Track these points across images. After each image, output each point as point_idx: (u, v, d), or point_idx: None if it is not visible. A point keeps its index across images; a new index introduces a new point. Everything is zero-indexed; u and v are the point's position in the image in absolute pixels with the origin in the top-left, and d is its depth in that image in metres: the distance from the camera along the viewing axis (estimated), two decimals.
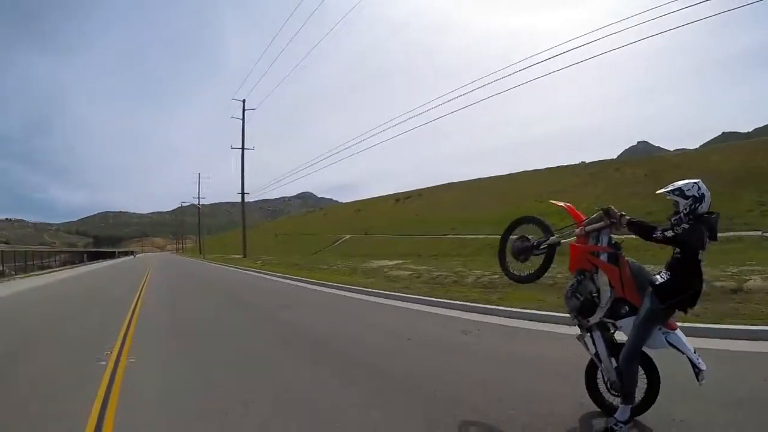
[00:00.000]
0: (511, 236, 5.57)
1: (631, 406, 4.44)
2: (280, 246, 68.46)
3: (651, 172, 38.02)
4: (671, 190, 4.34)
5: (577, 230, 4.87)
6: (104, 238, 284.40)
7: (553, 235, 5.14)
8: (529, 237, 5.31)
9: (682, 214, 4.27)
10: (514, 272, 5.55)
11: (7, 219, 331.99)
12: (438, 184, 71.03)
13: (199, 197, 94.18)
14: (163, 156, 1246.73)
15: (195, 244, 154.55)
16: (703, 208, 4.24)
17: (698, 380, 4.32)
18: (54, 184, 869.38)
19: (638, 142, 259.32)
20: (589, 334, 4.86)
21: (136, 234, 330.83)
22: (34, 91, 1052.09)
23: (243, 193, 61.27)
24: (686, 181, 4.35)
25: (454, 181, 68.41)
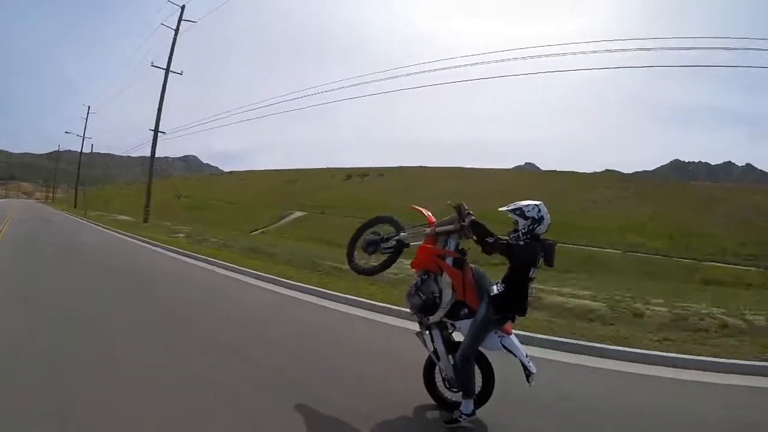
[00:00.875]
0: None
1: (473, 399, 4.66)
2: (188, 212, 52.66)
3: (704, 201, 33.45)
4: (513, 209, 4.59)
5: (428, 230, 5.05)
6: None
7: (404, 232, 5.30)
8: (380, 232, 5.47)
9: (520, 233, 4.53)
10: (359, 264, 5.63)
11: None
12: (407, 165, 59.05)
13: (84, 134, 74.59)
14: (45, 90, 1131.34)
15: (67, 195, 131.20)
16: (541, 229, 4.51)
17: (528, 382, 4.62)
18: None
19: (525, 163, 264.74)
20: (428, 331, 5.05)
21: (2, 175, 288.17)
22: None
23: (156, 131, 40.84)
24: (528, 202, 4.59)
25: (427, 165, 56.82)
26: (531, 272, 4.52)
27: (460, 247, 4.95)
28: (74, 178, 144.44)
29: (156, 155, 39.78)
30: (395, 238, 5.29)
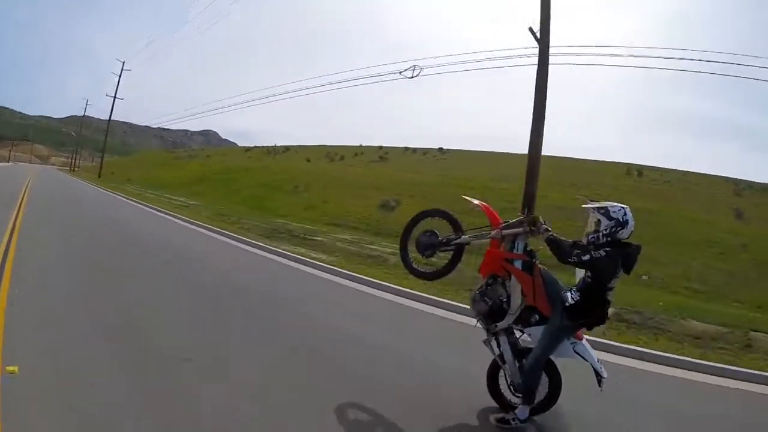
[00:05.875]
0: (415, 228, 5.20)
1: (530, 407, 4.46)
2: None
3: None
4: (597, 207, 4.25)
5: (494, 233, 4.65)
6: None
7: (464, 234, 4.88)
8: (437, 232, 5.02)
9: (601, 233, 4.17)
10: (417, 267, 5.22)
11: None
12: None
13: (115, 94, 62.39)
14: (63, 54, 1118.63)
15: (92, 164, 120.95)
16: (623, 234, 4.16)
17: (600, 386, 4.39)
18: None
19: None
20: (494, 337, 4.70)
21: (15, 137, 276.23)
22: None
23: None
24: (614, 203, 4.26)
25: None
26: (611, 282, 4.21)
27: (528, 248, 4.59)
28: (94, 145, 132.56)
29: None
30: (455, 241, 4.85)
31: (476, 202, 4.98)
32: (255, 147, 63.82)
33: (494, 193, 22.71)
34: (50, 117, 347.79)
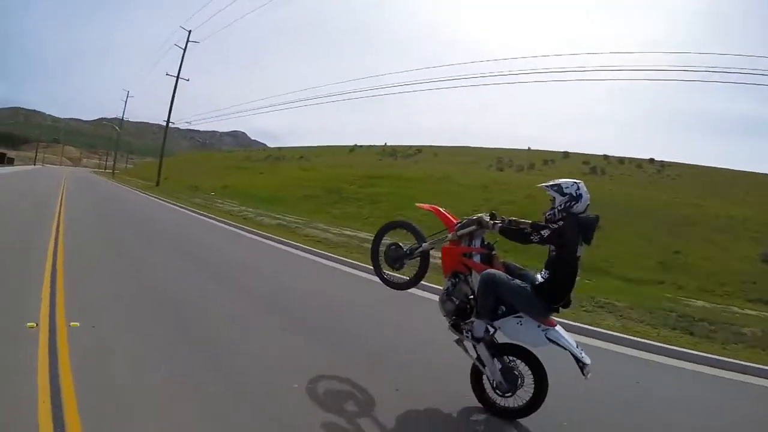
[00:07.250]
0: (383, 241, 5.20)
1: (485, 322, 4.24)
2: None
3: None
4: (551, 185, 4.18)
5: (450, 235, 4.60)
6: (4, 135, 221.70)
7: (426, 242, 4.83)
8: (402, 244, 5.01)
9: (556, 210, 4.11)
10: (391, 279, 5.19)
11: None
12: None
13: (178, 74, 47.39)
14: (95, 60, 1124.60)
15: (130, 167, 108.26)
16: (578, 208, 4.06)
17: (584, 374, 4.01)
18: None
19: None
20: (467, 337, 4.45)
21: (46, 138, 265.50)
22: None
23: None
24: (567, 179, 4.20)
25: None
26: (578, 251, 4.02)
27: (486, 243, 4.53)
28: (125, 147, 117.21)
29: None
30: (418, 250, 4.82)
31: (426, 206, 4.98)
32: (356, 146, 48.81)
33: None
34: (80, 119, 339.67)
